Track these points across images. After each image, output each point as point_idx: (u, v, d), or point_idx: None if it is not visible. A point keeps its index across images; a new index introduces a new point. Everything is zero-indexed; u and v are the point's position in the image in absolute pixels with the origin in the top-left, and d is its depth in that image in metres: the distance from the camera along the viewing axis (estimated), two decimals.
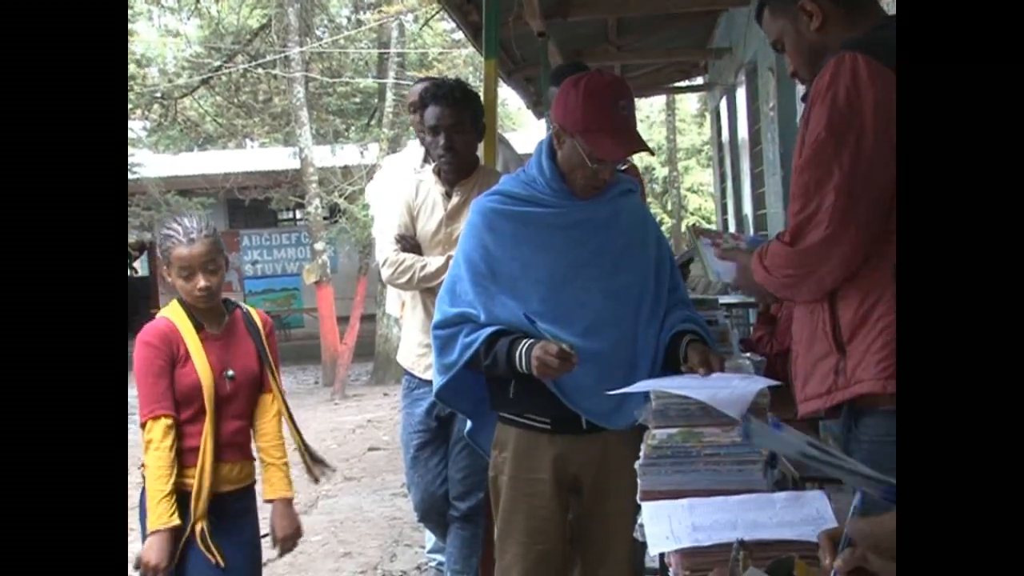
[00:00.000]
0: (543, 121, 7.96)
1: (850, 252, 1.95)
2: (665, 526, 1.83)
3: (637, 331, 2.62)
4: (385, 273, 3.75)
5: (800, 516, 1.79)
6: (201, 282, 2.84)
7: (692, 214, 24.67)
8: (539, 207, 2.63)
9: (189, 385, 2.85)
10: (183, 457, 2.87)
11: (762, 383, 2.21)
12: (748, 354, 2.77)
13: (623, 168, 3.47)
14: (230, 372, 2.93)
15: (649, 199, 27.81)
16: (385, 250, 3.78)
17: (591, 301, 2.59)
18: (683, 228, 25.03)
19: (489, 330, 2.56)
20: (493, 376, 2.65)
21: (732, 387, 2.20)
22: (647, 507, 1.96)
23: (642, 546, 2.64)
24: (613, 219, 2.66)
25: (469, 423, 2.91)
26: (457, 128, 3.50)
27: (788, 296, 2.17)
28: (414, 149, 4.23)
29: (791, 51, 2.20)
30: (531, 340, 2.50)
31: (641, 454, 2.13)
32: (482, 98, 3.83)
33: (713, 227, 10.36)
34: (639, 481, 2.12)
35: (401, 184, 4.00)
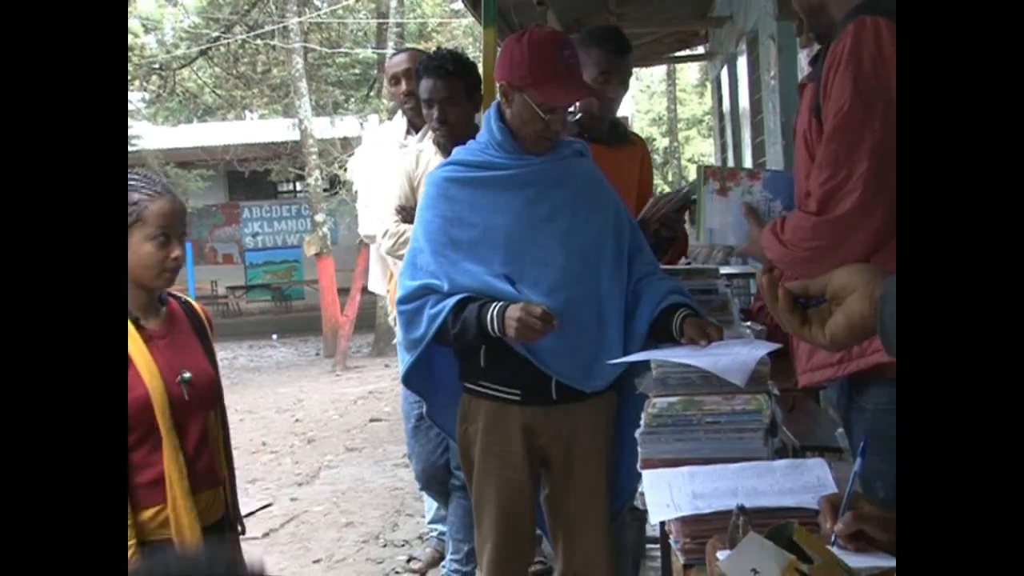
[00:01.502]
0: None
1: (880, 222, 1.90)
2: (665, 494, 1.84)
3: (601, 288, 2.62)
4: (386, 244, 3.74)
5: (800, 483, 1.79)
6: (176, 250, 2.22)
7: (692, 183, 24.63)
8: (492, 170, 2.63)
9: (134, 400, 2.16)
10: (134, 496, 2.20)
11: (764, 348, 2.20)
12: (749, 323, 2.76)
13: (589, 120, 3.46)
14: (186, 375, 2.27)
15: None
16: (386, 221, 3.77)
17: (553, 259, 2.59)
18: (685, 164, 24.77)
19: (455, 298, 2.55)
20: (462, 346, 2.64)
21: (734, 354, 2.19)
22: (647, 475, 1.96)
23: (643, 514, 2.66)
24: (567, 178, 2.66)
25: (425, 406, 2.91)
26: (451, 100, 3.50)
27: (802, 271, 2.08)
28: (397, 122, 4.21)
29: (794, 2, 2.20)
30: (500, 303, 2.50)
31: (641, 422, 2.13)
32: (481, 68, 3.80)
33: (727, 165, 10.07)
34: (640, 450, 2.13)
35: (385, 157, 4.00)
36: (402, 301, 2.67)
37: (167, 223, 2.18)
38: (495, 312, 2.49)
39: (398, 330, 2.75)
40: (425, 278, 2.61)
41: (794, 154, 2.20)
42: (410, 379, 2.80)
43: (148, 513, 2.22)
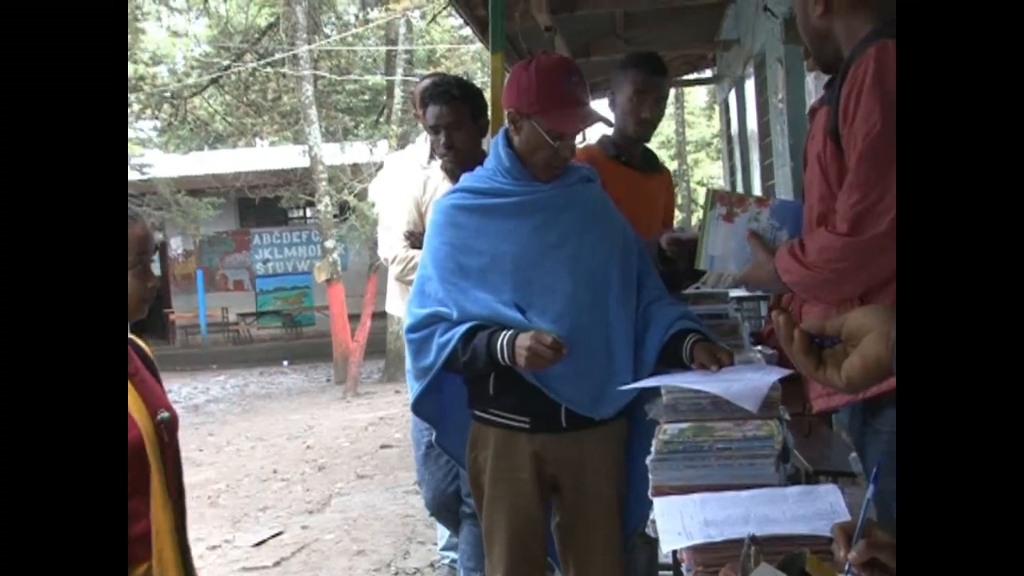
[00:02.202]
0: None
1: None
2: (677, 522, 1.82)
3: (609, 314, 2.61)
4: (395, 270, 3.75)
5: (813, 510, 1.78)
6: (153, 278, 2.07)
7: (702, 207, 24.66)
8: (500, 197, 2.63)
9: (129, 442, 1.96)
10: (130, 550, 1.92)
11: (776, 374, 2.19)
12: (759, 347, 2.74)
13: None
14: (164, 414, 2.07)
15: None
16: (395, 247, 3.78)
17: (561, 286, 2.58)
18: (694, 187, 24.78)
19: (465, 326, 2.55)
20: (471, 373, 2.63)
21: (746, 379, 2.18)
22: (658, 503, 1.94)
23: (654, 542, 2.64)
24: (575, 203, 2.66)
25: (435, 433, 2.89)
26: (456, 125, 3.51)
27: (820, 294, 2.08)
28: (420, 145, 4.24)
29: (799, 30, 2.21)
30: (510, 331, 2.49)
31: (652, 449, 2.11)
32: (489, 94, 3.81)
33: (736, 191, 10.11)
34: (650, 476, 2.11)
35: (406, 181, 4.01)
36: (411, 329, 2.66)
37: (144, 248, 2.04)
38: (505, 341, 2.48)
39: (407, 357, 2.75)
40: (434, 306, 2.60)
41: (806, 177, 2.19)
42: (420, 407, 2.79)
43: (140, 570, 1.98)
